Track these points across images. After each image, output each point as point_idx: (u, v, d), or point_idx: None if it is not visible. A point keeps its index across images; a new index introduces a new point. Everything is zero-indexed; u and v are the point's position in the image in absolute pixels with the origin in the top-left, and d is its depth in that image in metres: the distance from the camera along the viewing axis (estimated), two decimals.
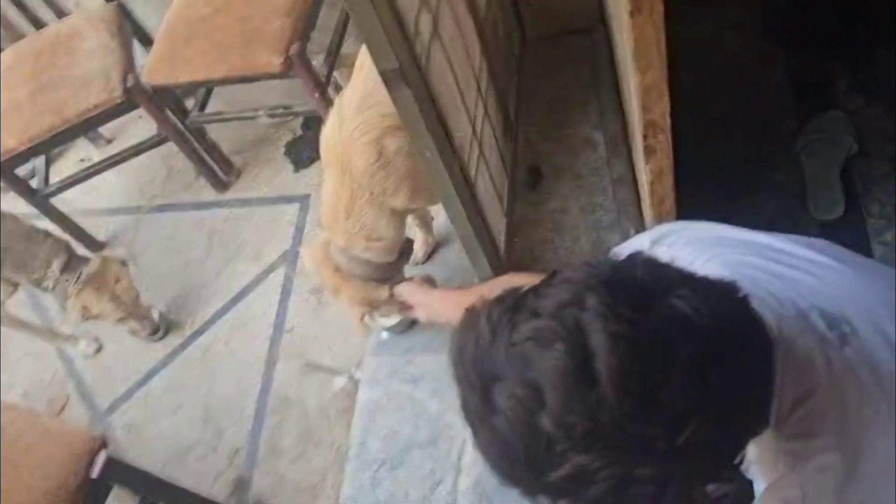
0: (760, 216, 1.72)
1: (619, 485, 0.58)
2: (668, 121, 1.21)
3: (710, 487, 0.64)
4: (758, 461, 0.80)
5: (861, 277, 0.81)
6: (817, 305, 0.75)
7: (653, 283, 0.61)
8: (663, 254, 0.90)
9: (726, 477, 0.66)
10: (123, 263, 2.25)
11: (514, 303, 0.63)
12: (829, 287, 0.78)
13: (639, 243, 0.96)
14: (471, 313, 0.65)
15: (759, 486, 0.80)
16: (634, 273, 0.62)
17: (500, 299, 0.65)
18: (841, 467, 0.70)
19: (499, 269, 1.63)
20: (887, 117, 1.85)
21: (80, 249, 2.47)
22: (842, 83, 1.95)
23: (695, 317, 0.58)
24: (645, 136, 1.23)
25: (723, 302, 0.63)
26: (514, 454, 0.60)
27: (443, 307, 1.47)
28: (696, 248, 0.87)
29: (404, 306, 1.61)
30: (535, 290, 0.64)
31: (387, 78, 1.17)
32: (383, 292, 1.55)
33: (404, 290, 1.56)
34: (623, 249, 1.01)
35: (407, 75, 1.16)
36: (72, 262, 2.13)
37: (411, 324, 2.02)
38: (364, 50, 1.57)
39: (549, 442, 0.58)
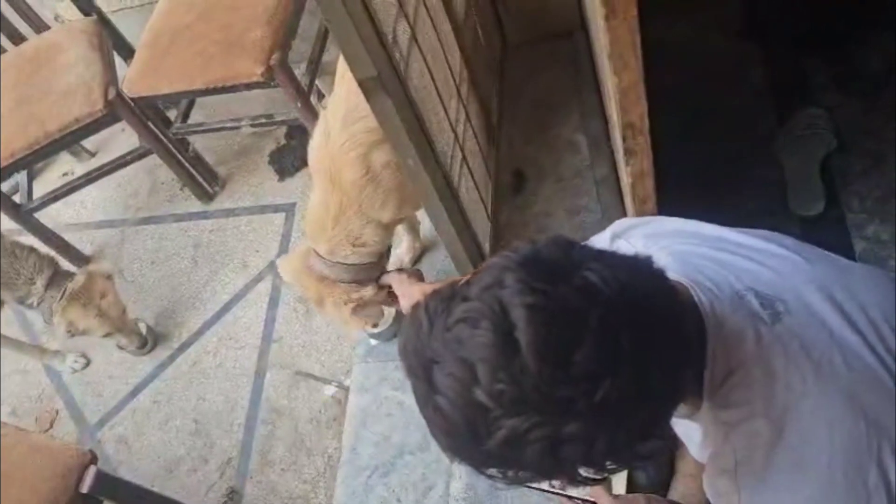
0: (742, 214, 1.71)
1: (550, 445, 0.63)
2: (647, 122, 1.21)
3: (639, 445, 0.69)
4: (702, 435, 0.85)
5: (805, 265, 0.86)
6: (754, 288, 0.81)
7: (566, 259, 0.67)
8: (622, 246, 0.96)
9: (657, 434, 0.71)
10: (109, 277, 2.23)
11: (449, 293, 0.69)
12: (771, 273, 0.84)
13: (601, 238, 1.03)
14: (414, 308, 0.72)
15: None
16: (550, 252, 0.68)
17: (437, 292, 0.71)
18: (768, 432, 0.75)
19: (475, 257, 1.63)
20: (865, 113, 1.87)
21: (66, 264, 2.45)
22: (819, 80, 1.97)
23: (602, 285, 0.63)
24: (624, 139, 1.24)
25: (633, 273, 0.69)
26: (456, 428, 0.66)
27: None
28: (651, 240, 0.94)
29: (390, 298, 1.60)
30: (467, 279, 0.70)
31: (365, 87, 1.17)
32: (368, 290, 1.55)
33: (392, 279, 1.57)
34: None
35: (386, 84, 1.17)
36: (56, 278, 2.11)
37: (398, 331, 2.03)
38: (343, 58, 1.59)
39: (484, 411, 0.63)
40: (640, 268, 0.72)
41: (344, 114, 1.43)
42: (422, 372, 0.68)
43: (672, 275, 0.80)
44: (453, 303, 0.67)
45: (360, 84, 1.17)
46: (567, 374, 0.61)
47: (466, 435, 0.66)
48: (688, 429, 0.88)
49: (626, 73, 1.10)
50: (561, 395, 0.62)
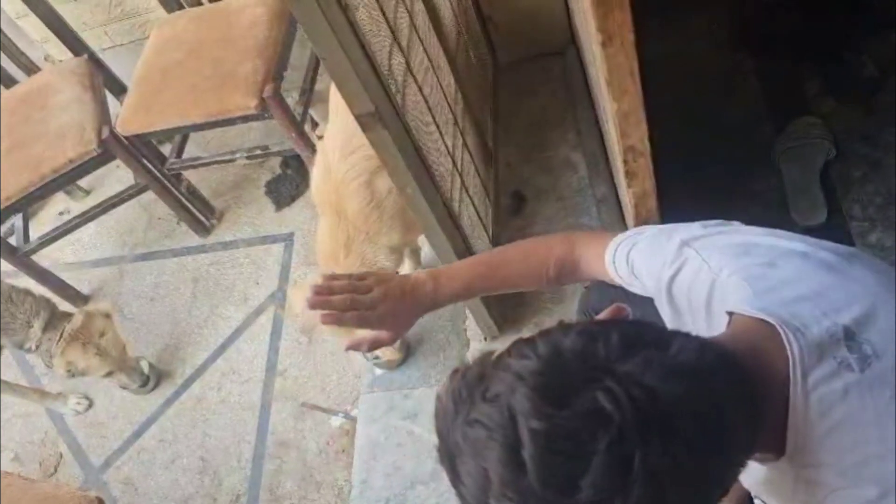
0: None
1: None
2: (648, 145, 1.21)
3: None
4: (783, 486, 0.80)
5: (879, 287, 0.80)
6: (843, 324, 0.75)
7: (584, 367, 0.64)
8: (692, 258, 0.88)
9: None
10: (108, 316, 2.21)
11: (476, 376, 0.68)
12: (855, 300, 0.78)
13: (668, 239, 0.94)
14: (444, 387, 0.70)
15: None
16: (570, 356, 0.65)
17: (466, 372, 0.69)
18: (874, 494, 0.71)
19: (486, 298, 1.62)
20: (860, 119, 1.87)
21: (64, 305, 2.44)
22: (814, 88, 1.97)
23: (614, 409, 0.61)
24: (626, 162, 1.23)
25: (671, 370, 0.65)
26: None
27: None
28: (725, 255, 0.87)
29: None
30: (494, 362, 0.69)
31: (363, 121, 1.16)
32: None
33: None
34: (649, 238, 0.99)
35: (383, 117, 1.16)
36: (53, 321, 2.10)
37: (403, 360, 2.01)
38: (335, 89, 1.59)
39: None
40: (681, 358, 0.66)
41: (342, 144, 1.43)
42: (447, 457, 0.68)
43: (755, 312, 0.76)
44: (476, 393, 0.66)
45: (358, 119, 1.16)
46: (571, 501, 0.60)
47: None
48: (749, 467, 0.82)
49: (625, 99, 1.10)
50: None
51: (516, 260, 1.19)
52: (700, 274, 0.86)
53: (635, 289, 1.01)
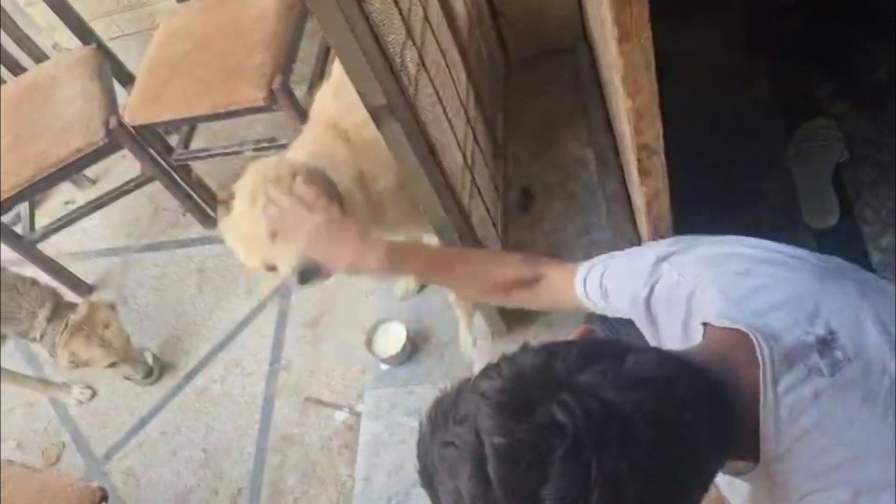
0: (756, 229, 1.71)
1: None
2: (662, 143, 1.20)
3: None
4: (755, 495, 0.82)
5: (856, 293, 0.82)
6: (813, 330, 0.77)
7: (542, 384, 0.67)
8: (668, 273, 0.92)
9: None
10: (112, 307, 2.21)
11: (449, 403, 0.71)
12: (830, 304, 0.80)
13: (641, 258, 0.97)
14: (428, 407, 0.74)
15: None
16: (530, 374, 0.69)
17: (443, 397, 0.73)
18: (846, 497, 0.72)
19: None
20: (873, 121, 1.86)
21: (69, 294, 2.43)
22: (826, 90, 1.95)
23: (568, 420, 0.64)
24: (639, 160, 1.22)
25: (628, 382, 0.67)
26: None
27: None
28: (701, 267, 0.90)
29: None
30: (468, 386, 0.72)
31: (375, 114, 1.15)
32: None
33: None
34: (622, 259, 1.03)
35: (396, 110, 1.15)
36: (59, 311, 2.09)
37: (409, 356, 2.00)
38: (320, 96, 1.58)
39: None
40: (636, 369, 0.69)
41: None
42: (426, 479, 0.71)
43: (725, 322, 0.78)
44: (449, 417, 0.69)
45: (370, 111, 1.15)
46: None
47: None
48: (734, 485, 0.85)
49: (640, 96, 1.08)
50: None
51: (475, 262, 1.24)
52: (677, 288, 0.89)
53: (607, 312, 1.04)
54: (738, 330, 0.78)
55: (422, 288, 2.07)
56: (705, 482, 0.72)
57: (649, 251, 0.97)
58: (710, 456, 0.72)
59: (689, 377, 0.71)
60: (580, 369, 0.67)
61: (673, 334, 0.91)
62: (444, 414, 0.70)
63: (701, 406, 0.70)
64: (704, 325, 0.83)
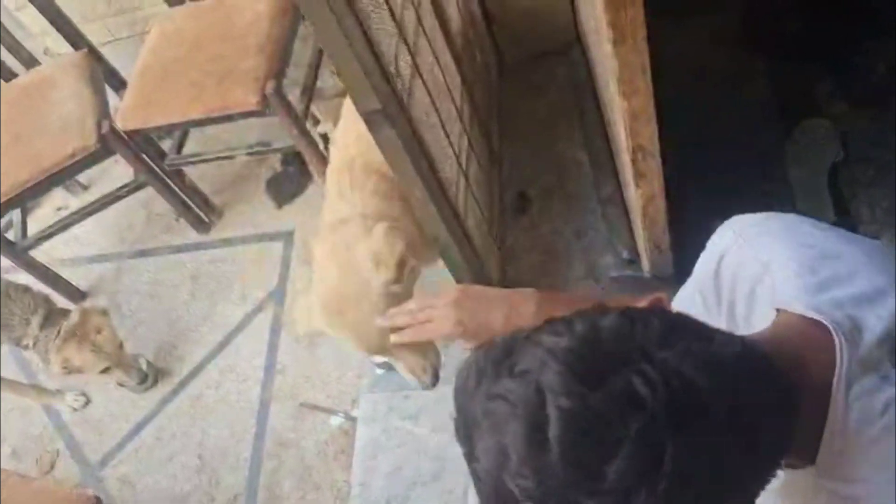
0: None
1: None
2: (657, 144, 1.19)
3: None
4: (786, 491, 0.77)
5: None
6: (891, 332, 0.72)
7: (621, 349, 0.61)
8: (740, 245, 0.83)
9: None
10: (104, 313, 2.19)
11: (502, 350, 0.65)
12: None
13: (718, 235, 0.90)
14: (470, 357, 0.68)
15: None
16: (607, 336, 0.62)
17: (491, 346, 0.66)
18: None
19: None
20: (870, 121, 1.86)
21: (62, 301, 2.42)
22: (823, 89, 1.95)
23: (648, 393, 0.57)
24: (634, 161, 1.22)
25: (707, 363, 0.61)
26: (489, 500, 0.63)
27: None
28: (775, 245, 0.82)
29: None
30: (524, 337, 0.65)
31: (369, 119, 1.14)
32: None
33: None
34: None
35: (390, 116, 1.14)
36: (51, 317, 2.08)
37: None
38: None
39: (512, 497, 0.60)
40: (722, 352, 0.63)
41: None
42: (463, 429, 0.65)
43: (807, 311, 0.72)
44: (502, 368, 0.63)
45: (364, 117, 1.15)
46: (595, 487, 0.57)
47: None
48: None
49: (635, 98, 1.08)
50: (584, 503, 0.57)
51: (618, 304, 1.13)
52: (748, 263, 0.82)
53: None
54: (814, 320, 0.72)
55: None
56: (762, 482, 0.67)
57: (727, 224, 0.89)
58: (775, 454, 0.66)
59: (769, 369, 0.66)
60: (663, 342, 0.61)
61: (733, 309, 0.85)
62: (493, 364, 0.64)
63: (776, 401, 0.65)
64: (777, 309, 0.76)
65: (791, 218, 0.88)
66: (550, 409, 0.58)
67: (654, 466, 0.56)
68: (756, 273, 0.81)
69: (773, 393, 0.65)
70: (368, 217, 1.37)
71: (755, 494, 0.66)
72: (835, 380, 0.69)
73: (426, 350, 1.32)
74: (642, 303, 0.73)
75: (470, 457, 0.64)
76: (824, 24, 1.89)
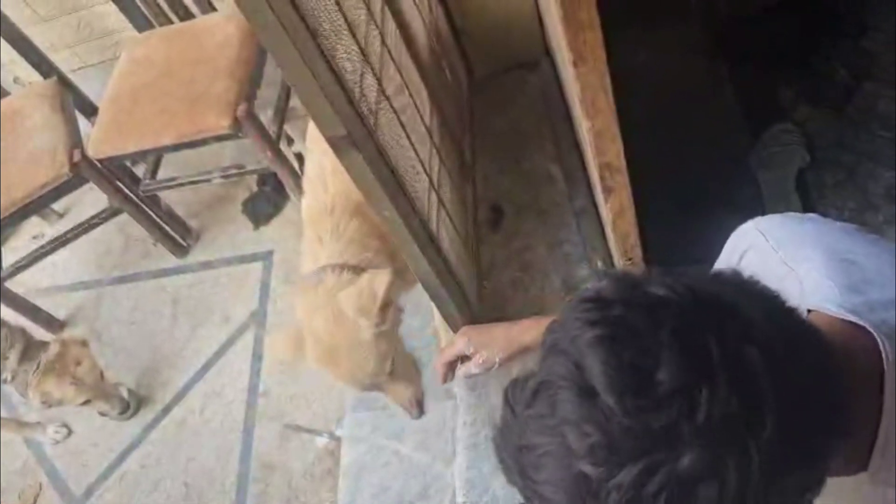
0: (722, 235, 1.73)
1: (675, 494, 0.52)
2: (623, 161, 1.20)
3: (784, 478, 0.55)
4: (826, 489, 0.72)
5: None
6: None
7: (630, 285, 0.59)
8: (762, 243, 0.82)
9: (806, 465, 0.57)
10: (84, 343, 2.18)
11: (522, 379, 0.62)
12: None
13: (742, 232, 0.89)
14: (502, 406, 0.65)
15: None
16: (611, 286, 0.60)
17: (514, 381, 0.63)
18: None
19: (469, 318, 1.60)
20: (835, 125, 1.88)
21: (40, 332, 2.40)
22: (788, 94, 1.98)
23: (670, 294, 0.55)
24: (602, 178, 1.22)
25: (707, 280, 0.60)
26: None
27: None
28: (800, 247, 0.81)
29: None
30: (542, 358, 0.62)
31: (335, 145, 1.14)
32: None
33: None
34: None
35: (356, 140, 1.14)
36: (29, 351, 2.06)
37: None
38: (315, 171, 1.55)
39: (585, 481, 0.54)
40: (719, 279, 0.61)
41: None
42: (514, 464, 0.60)
43: (845, 314, 0.69)
44: (529, 380, 0.60)
45: (330, 142, 1.14)
46: (654, 402, 0.52)
47: None
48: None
49: (598, 118, 1.09)
50: (656, 425, 0.52)
51: None
52: (772, 264, 0.80)
53: None
54: (853, 324, 0.68)
55: None
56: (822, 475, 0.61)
57: (750, 222, 0.88)
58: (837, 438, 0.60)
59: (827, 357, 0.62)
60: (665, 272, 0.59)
61: None
62: (520, 384, 0.61)
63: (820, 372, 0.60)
64: (808, 311, 0.72)
65: (818, 219, 0.87)
66: (582, 356, 0.55)
67: (703, 361, 0.53)
68: (780, 274, 0.79)
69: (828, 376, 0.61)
70: (349, 265, 1.42)
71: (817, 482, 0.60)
72: (886, 380, 0.66)
73: (413, 383, 1.48)
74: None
75: (532, 494, 0.59)
76: (788, 30, 1.91)
